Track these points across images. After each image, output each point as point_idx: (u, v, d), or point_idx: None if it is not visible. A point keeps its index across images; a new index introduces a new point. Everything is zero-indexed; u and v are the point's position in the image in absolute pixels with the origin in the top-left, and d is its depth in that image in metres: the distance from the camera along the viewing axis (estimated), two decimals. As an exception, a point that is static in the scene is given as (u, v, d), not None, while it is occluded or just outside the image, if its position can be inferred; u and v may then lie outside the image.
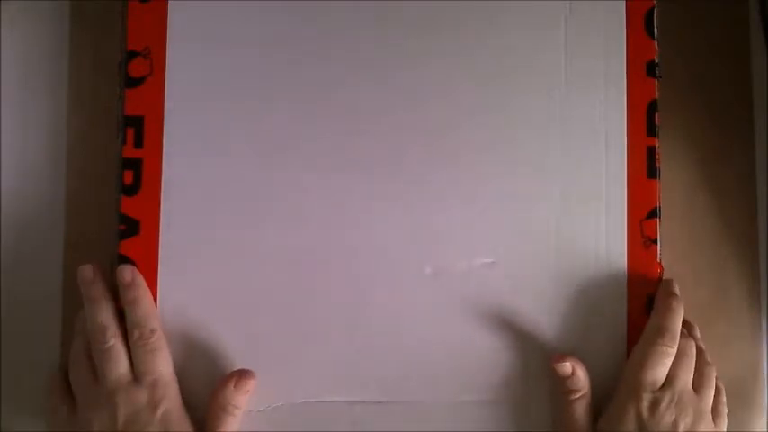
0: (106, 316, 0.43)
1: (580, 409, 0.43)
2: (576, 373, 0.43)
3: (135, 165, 0.45)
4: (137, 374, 0.42)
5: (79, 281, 0.44)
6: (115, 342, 0.42)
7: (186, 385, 0.44)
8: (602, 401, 0.44)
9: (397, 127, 0.46)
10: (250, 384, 0.43)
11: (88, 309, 0.43)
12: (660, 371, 0.43)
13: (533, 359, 0.45)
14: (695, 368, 0.44)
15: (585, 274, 0.46)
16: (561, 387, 0.44)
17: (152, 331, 0.43)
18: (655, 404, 0.42)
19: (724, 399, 0.45)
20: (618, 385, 0.44)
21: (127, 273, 0.44)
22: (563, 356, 0.44)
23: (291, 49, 0.46)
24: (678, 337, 0.44)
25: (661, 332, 0.43)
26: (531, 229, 0.46)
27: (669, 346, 0.43)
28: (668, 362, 0.43)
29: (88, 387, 0.42)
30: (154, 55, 0.45)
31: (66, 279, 0.47)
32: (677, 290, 0.45)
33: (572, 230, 0.46)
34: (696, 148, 0.49)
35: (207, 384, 0.44)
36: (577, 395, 0.43)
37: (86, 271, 0.44)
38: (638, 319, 0.45)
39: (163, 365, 0.43)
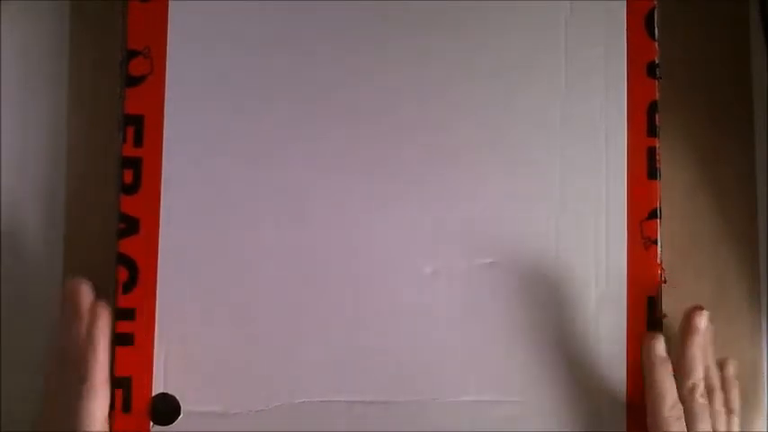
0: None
1: None
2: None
3: (135, 163, 0.45)
4: None
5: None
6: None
7: (186, 388, 0.44)
8: (603, 402, 0.44)
9: (397, 127, 0.46)
10: None
11: None
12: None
13: (533, 359, 0.45)
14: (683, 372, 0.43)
15: (585, 275, 0.45)
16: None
17: (82, 378, 0.41)
18: None
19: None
20: None
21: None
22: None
23: (291, 49, 0.46)
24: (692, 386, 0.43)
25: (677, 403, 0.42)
26: (531, 230, 0.46)
27: (702, 398, 0.42)
28: (706, 409, 0.42)
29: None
30: (154, 54, 0.45)
31: (66, 279, 0.47)
32: (660, 350, 0.44)
33: (572, 230, 0.46)
34: (696, 148, 0.49)
35: (207, 385, 0.44)
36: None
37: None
38: (638, 320, 0.45)
39: (72, 416, 0.41)
